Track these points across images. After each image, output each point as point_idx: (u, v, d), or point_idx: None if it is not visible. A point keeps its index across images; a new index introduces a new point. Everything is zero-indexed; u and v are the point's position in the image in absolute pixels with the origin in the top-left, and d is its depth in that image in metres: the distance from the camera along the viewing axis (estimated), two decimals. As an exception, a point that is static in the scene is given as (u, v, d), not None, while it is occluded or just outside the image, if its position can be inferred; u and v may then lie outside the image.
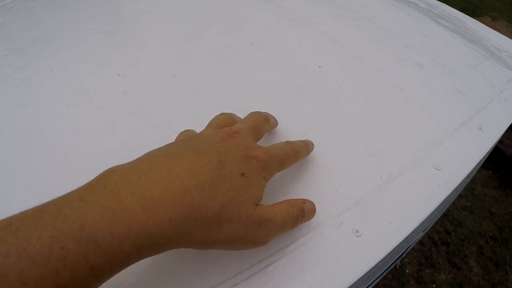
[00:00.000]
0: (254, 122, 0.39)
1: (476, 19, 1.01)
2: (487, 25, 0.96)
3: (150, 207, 0.24)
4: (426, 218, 0.40)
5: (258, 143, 0.38)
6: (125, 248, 0.23)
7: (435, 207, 0.41)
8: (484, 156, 0.85)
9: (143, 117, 0.50)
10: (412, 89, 0.60)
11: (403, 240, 0.37)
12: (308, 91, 0.56)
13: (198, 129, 0.41)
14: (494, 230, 2.83)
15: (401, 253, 0.89)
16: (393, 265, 1.01)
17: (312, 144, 0.44)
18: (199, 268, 0.34)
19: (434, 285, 2.21)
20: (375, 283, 0.66)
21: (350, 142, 0.48)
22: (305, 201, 0.36)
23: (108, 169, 0.27)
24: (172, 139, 0.42)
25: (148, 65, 0.60)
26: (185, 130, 0.42)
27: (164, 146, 0.32)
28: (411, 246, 1.07)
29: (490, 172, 3.50)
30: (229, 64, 0.61)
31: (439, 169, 0.46)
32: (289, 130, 0.49)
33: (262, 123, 0.41)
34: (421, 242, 2.62)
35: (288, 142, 0.39)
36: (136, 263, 0.25)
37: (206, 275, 0.33)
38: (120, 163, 0.28)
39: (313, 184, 0.42)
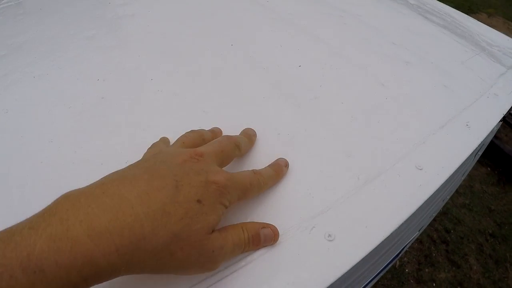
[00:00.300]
0: (222, 147, 0.37)
1: (472, 16, 1.00)
2: (483, 22, 0.95)
3: (97, 236, 0.24)
4: (405, 221, 0.38)
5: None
6: (71, 278, 0.23)
7: (414, 210, 0.39)
8: (477, 153, 0.84)
9: (120, 122, 0.49)
10: (396, 86, 0.58)
11: (378, 245, 0.35)
12: (286, 91, 0.55)
13: (176, 133, 0.41)
14: (494, 227, 2.83)
15: (398, 253, 0.88)
16: (390, 264, 1.00)
17: (286, 165, 0.42)
18: (163, 277, 0.33)
19: (434, 284, 2.20)
20: (373, 282, 0.64)
21: (327, 143, 0.47)
22: (264, 226, 0.35)
23: (64, 194, 0.27)
24: (149, 144, 0.42)
25: (126, 69, 0.60)
26: (155, 143, 0.42)
27: (125, 168, 0.31)
28: (408, 246, 1.06)
29: (489, 169, 3.49)
30: (208, 66, 0.60)
31: (421, 169, 0.44)
32: (264, 132, 0.48)
33: (232, 149, 0.39)
34: (420, 241, 2.62)
35: (254, 172, 0.38)
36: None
37: (176, 281, 0.32)
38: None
39: (285, 187, 0.41)
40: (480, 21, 0.97)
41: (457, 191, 3.16)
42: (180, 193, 0.28)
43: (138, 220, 0.25)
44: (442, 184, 0.44)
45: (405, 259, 2.21)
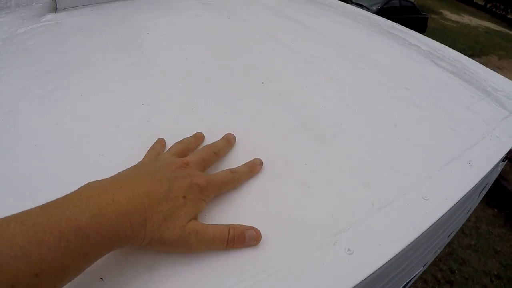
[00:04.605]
0: (204, 155, 0.50)
1: (483, 58, 1.07)
2: (494, 64, 1.02)
3: (120, 216, 0.35)
4: (413, 243, 0.45)
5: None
6: (104, 242, 0.34)
7: (420, 233, 0.45)
8: (481, 191, 0.90)
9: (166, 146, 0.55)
10: (407, 127, 0.65)
11: (389, 260, 0.41)
12: (312, 127, 0.62)
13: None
14: (499, 269, 2.81)
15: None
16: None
17: (260, 164, 0.53)
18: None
19: (438, 323, 2.19)
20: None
21: (347, 174, 0.54)
22: (249, 228, 0.43)
23: (90, 182, 0.38)
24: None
25: (169, 97, 0.67)
26: (153, 145, 0.54)
27: (132, 169, 0.44)
28: (412, 281, 1.09)
29: (496, 210, 3.49)
30: (242, 101, 0.68)
31: (427, 199, 0.51)
32: (292, 162, 0.55)
33: (211, 156, 0.51)
34: (424, 281, 2.62)
35: (231, 170, 0.49)
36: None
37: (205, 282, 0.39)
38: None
39: (312, 209, 0.48)
40: (491, 63, 1.04)
41: (463, 231, 3.16)
42: (172, 191, 0.40)
43: (143, 208, 0.37)
44: (445, 214, 0.50)
45: (410, 297, 2.20)
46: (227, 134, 0.57)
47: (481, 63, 1.09)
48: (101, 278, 0.38)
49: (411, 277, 0.93)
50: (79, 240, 0.31)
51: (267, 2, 1.32)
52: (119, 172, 0.42)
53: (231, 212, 0.47)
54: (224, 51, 0.86)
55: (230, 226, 0.42)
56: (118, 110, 0.62)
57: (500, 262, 2.88)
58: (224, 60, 0.82)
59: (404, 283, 0.84)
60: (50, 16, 1.08)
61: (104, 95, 0.66)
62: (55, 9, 1.13)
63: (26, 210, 0.33)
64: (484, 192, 0.99)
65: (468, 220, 3.26)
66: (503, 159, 0.75)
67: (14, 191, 0.47)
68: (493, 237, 3.17)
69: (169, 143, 0.55)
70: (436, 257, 2.66)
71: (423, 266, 1.04)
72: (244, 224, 0.44)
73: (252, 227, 0.43)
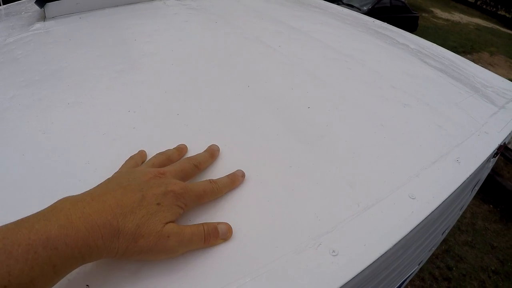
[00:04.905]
0: (182, 167, 0.49)
1: (475, 55, 1.07)
2: (485, 60, 1.03)
3: (90, 228, 0.35)
4: (400, 242, 0.45)
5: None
6: (74, 254, 0.34)
7: (407, 232, 0.45)
8: (473, 188, 0.90)
9: (150, 150, 0.55)
10: (394, 126, 0.65)
11: (375, 260, 0.41)
12: (297, 129, 0.62)
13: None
14: (496, 264, 2.82)
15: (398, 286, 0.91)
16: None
17: (242, 176, 0.52)
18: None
19: (436, 321, 2.19)
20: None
21: (332, 175, 0.54)
22: (219, 223, 0.45)
23: (64, 198, 0.38)
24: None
25: (155, 103, 0.67)
26: (132, 156, 0.53)
27: (106, 182, 0.44)
28: (408, 280, 1.09)
29: (491, 206, 3.51)
30: (228, 105, 0.68)
31: (414, 198, 0.51)
32: (277, 164, 0.55)
33: (191, 168, 0.50)
34: (422, 278, 2.62)
35: (210, 181, 0.49)
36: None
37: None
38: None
39: (296, 210, 0.47)
40: (483, 59, 1.05)
41: (459, 228, 3.17)
42: (144, 200, 0.40)
43: (115, 218, 0.37)
44: (433, 212, 0.50)
45: (407, 295, 2.21)
46: (210, 146, 0.57)
47: (473, 60, 1.10)
48: (87, 286, 0.38)
49: (406, 276, 0.93)
50: (47, 252, 0.32)
51: (254, 5, 1.32)
52: (95, 186, 0.43)
53: (214, 215, 0.47)
54: (211, 56, 0.86)
55: (202, 224, 0.43)
56: (104, 118, 0.62)
57: (497, 257, 2.89)
58: (210, 65, 0.82)
59: (400, 282, 0.84)
60: (38, 25, 1.08)
61: (90, 103, 0.66)
62: (43, 17, 1.14)
63: (1, 226, 0.33)
64: (477, 188, 0.99)
65: (464, 216, 3.28)
66: (494, 155, 0.75)
67: (1, 201, 0.47)
68: (490, 232, 3.19)
69: (154, 150, 0.55)
70: (433, 255, 2.67)
71: (418, 265, 1.04)
72: (215, 222, 0.45)
73: (222, 222, 0.45)
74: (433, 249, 1.13)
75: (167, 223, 0.40)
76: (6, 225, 0.33)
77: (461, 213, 1.07)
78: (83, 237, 0.34)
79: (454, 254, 2.87)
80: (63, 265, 0.33)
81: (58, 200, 0.38)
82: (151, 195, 0.41)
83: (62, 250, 0.33)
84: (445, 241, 2.91)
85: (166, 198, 0.41)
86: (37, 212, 0.36)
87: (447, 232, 1.09)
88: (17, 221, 0.34)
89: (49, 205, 0.37)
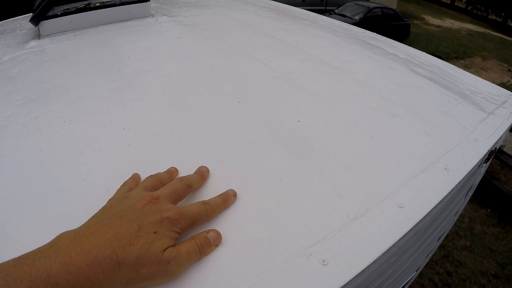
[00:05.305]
0: (175, 188, 0.50)
1: (467, 60, 1.09)
2: (478, 65, 1.04)
3: (90, 264, 0.36)
4: (389, 250, 0.46)
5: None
6: None
7: (396, 240, 0.47)
8: (467, 193, 0.91)
9: (145, 167, 0.57)
10: (383, 137, 0.67)
11: (365, 268, 0.43)
12: (287, 142, 0.63)
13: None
14: (496, 268, 2.82)
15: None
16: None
17: (234, 195, 0.53)
18: None
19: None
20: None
21: (322, 186, 0.55)
22: (208, 231, 0.46)
23: (63, 233, 0.39)
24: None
25: (149, 120, 0.68)
26: (126, 181, 0.54)
27: (102, 212, 0.44)
28: (406, 286, 1.09)
29: (489, 210, 3.51)
30: (220, 121, 0.69)
31: (402, 207, 0.52)
32: (268, 177, 0.56)
33: (183, 188, 0.51)
34: (421, 285, 2.62)
35: (203, 202, 0.49)
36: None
37: None
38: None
39: (286, 221, 0.49)
40: (475, 64, 1.06)
41: (457, 233, 3.18)
42: (141, 229, 0.40)
43: (114, 252, 0.37)
44: (422, 219, 0.51)
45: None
46: (200, 168, 0.57)
47: (465, 65, 1.12)
48: None
49: (405, 283, 0.93)
50: None
51: (245, 20, 1.35)
52: (90, 217, 0.43)
53: (205, 227, 0.48)
54: (203, 72, 0.88)
55: (193, 238, 0.45)
56: (100, 136, 0.64)
57: (497, 261, 2.89)
58: (202, 81, 0.83)
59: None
60: (33, 43, 1.09)
61: (86, 121, 0.68)
62: (38, 35, 1.15)
63: (2, 262, 0.34)
64: (470, 194, 1.00)
65: (462, 221, 3.28)
66: (486, 160, 0.76)
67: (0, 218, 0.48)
68: (488, 236, 3.19)
69: (149, 166, 0.56)
70: (432, 261, 2.67)
71: (416, 271, 1.04)
72: (202, 231, 0.47)
73: (209, 229, 0.47)
74: (430, 255, 1.13)
75: (165, 249, 0.41)
76: (8, 262, 0.34)
77: (456, 218, 1.07)
78: (84, 273, 0.35)
79: (453, 259, 2.87)
80: None
81: (57, 236, 0.39)
82: (147, 224, 0.41)
83: (63, 286, 0.34)
84: (443, 246, 2.92)
85: (162, 225, 0.42)
86: (37, 249, 0.37)
87: (443, 237, 1.09)
88: (18, 258, 0.35)
89: (47, 237, 0.38)
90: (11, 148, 0.61)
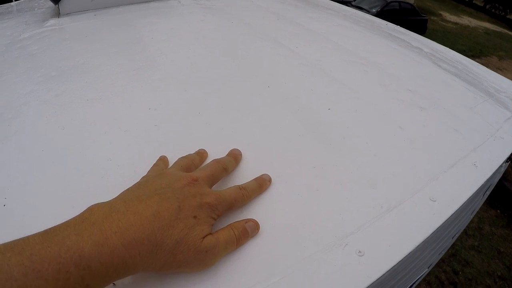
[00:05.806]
0: (212, 171, 0.48)
1: (484, 59, 1.07)
2: (494, 65, 1.03)
3: (127, 244, 0.33)
4: (422, 243, 0.45)
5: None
6: (109, 272, 0.32)
7: (430, 233, 0.46)
8: (485, 192, 0.90)
9: (172, 148, 0.56)
10: (413, 129, 0.65)
11: (400, 260, 0.42)
12: (318, 130, 0.62)
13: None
14: (503, 270, 2.81)
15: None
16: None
17: (269, 180, 0.51)
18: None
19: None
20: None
21: (355, 176, 0.54)
22: (247, 220, 0.45)
23: (95, 205, 0.36)
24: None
25: (175, 101, 0.67)
26: (156, 162, 0.52)
27: (138, 187, 0.41)
28: (417, 282, 1.09)
29: (498, 211, 3.49)
30: (249, 105, 0.68)
31: (435, 201, 0.51)
32: (300, 164, 0.55)
33: (220, 171, 0.49)
34: (428, 282, 2.61)
35: (240, 187, 0.47)
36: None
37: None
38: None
39: (322, 212, 0.48)
40: (491, 64, 1.04)
41: (466, 233, 3.16)
42: (182, 212, 0.38)
43: (153, 233, 0.35)
44: (452, 214, 0.50)
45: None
46: (232, 150, 0.56)
47: (481, 64, 1.10)
48: (114, 284, 0.37)
49: (416, 279, 0.93)
50: (80, 272, 0.30)
51: (268, 6, 1.33)
52: (124, 190, 0.41)
53: (239, 216, 0.47)
54: (229, 55, 0.87)
55: (230, 226, 0.43)
56: (125, 115, 0.63)
57: (504, 263, 2.88)
58: (229, 64, 0.82)
59: (409, 285, 0.84)
60: (53, 21, 1.08)
61: (110, 100, 0.66)
62: (58, 14, 1.14)
63: (25, 237, 0.31)
64: (488, 192, 0.99)
65: (471, 221, 3.26)
66: (507, 160, 0.75)
67: (21, 197, 0.47)
68: (496, 238, 3.17)
69: (178, 149, 0.55)
70: (440, 259, 2.66)
71: (428, 268, 1.04)
72: (240, 220, 0.45)
73: (248, 219, 0.45)
74: (443, 252, 1.13)
75: (204, 237, 0.39)
76: (33, 237, 0.31)
77: (472, 217, 1.07)
78: (119, 254, 0.32)
79: (460, 258, 2.86)
80: (97, 284, 0.31)
81: (88, 209, 0.36)
82: (187, 207, 0.39)
83: (96, 269, 0.31)
84: (452, 245, 2.91)
85: (201, 210, 0.40)
86: (66, 223, 0.34)
87: (457, 235, 1.09)
88: (44, 232, 0.32)
89: (72, 206, 0.37)
90: (32, 125, 0.60)
